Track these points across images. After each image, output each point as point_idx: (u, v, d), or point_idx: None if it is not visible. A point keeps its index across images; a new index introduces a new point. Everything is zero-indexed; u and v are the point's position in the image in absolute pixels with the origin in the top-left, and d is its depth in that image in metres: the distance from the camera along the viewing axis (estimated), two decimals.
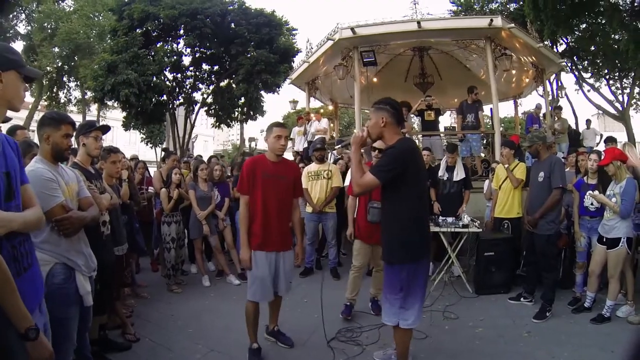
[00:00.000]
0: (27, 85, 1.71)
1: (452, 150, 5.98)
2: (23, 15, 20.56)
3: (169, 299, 4.94)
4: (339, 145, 6.19)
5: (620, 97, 17.25)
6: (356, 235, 4.33)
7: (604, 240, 4.10)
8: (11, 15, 19.95)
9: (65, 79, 22.07)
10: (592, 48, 15.59)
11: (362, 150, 2.84)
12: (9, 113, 1.71)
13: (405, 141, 2.72)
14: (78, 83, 21.67)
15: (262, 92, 18.17)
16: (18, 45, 20.28)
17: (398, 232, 2.67)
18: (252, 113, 18.98)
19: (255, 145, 26.40)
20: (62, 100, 22.18)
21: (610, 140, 6.23)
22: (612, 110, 17.23)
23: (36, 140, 2.66)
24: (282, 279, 3.38)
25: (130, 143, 28.36)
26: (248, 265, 3.26)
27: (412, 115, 9.43)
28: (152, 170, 7.61)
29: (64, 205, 2.20)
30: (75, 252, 2.32)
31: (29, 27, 20.56)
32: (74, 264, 2.29)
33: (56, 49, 20.13)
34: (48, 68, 20.40)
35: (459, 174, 5.82)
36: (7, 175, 1.55)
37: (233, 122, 20.13)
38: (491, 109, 8.62)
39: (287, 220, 3.41)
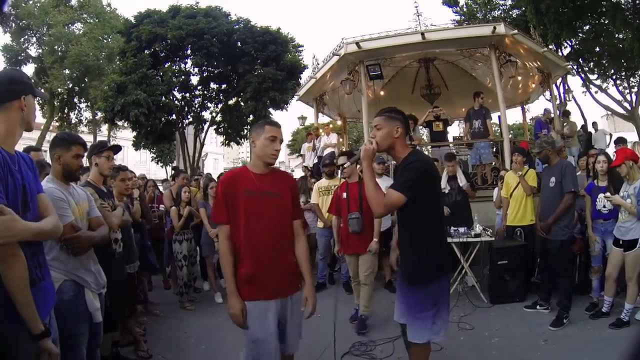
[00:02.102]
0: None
1: (450, 159, 5.97)
2: (34, 39, 21.23)
3: (182, 316, 4.94)
4: (346, 162, 6.10)
5: (628, 97, 17.05)
6: (344, 250, 4.51)
7: (620, 242, 4.02)
8: (22, 39, 20.55)
9: (76, 100, 22.62)
10: (597, 49, 15.50)
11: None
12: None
13: (420, 154, 2.62)
14: (88, 104, 22.17)
15: (270, 109, 18.38)
16: (29, 68, 20.93)
17: (422, 252, 2.45)
18: None
19: None
20: (73, 121, 22.76)
21: (621, 141, 6.16)
22: (621, 110, 17.03)
23: (49, 160, 2.72)
24: (290, 333, 2.47)
25: (140, 162, 28.73)
26: (240, 322, 2.30)
27: (420, 127, 9.43)
28: (162, 188, 7.69)
29: (73, 224, 2.24)
30: (84, 270, 2.35)
31: (40, 50, 21.17)
32: (83, 281, 2.32)
33: (67, 71, 20.64)
34: (59, 90, 20.99)
35: (461, 181, 5.82)
36: (24, 188, 1.68)
37: (242, 139, 20.36)
38: (499, 116, 8.59)
39: (287, 251, 2.48)
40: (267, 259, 2.35)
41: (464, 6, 18.37)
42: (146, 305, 4.97)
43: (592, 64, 16.78)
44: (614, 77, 16.94)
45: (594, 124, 11.43)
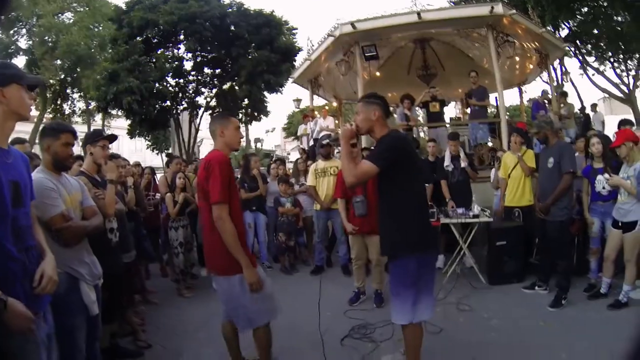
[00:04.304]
0: (32, 93, 1.81)
1: (454, 138, 5.97)
2: (24, 31, 20.83)
3: (180, 304, 4.93)
4: (327, 141, 6.12)
5: (625, 80, 16.98)
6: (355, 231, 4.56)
7: (620, 224, 4.01)
8: (12, 31, 20.17)
9: (68, 90, 22.30)
10: (595, 31, 15.35)
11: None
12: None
13: (397, 131, 2.80)
14: (81, 94, 21.89)
15: (265, 93, 18.21)
16: (20, 60, 20.58)
17: (399, 224, 2.59)
18: (256, 114, 19.06)
19: (261, 145, 26.37)
20: (66, 112, 22.43)
21: (626, 122, 6.09)
22: (618, 93, 16.98)
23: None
24: None
25: (136, 150, 28.48)
26: (260, 287, 2.64)
27: (417, 108, 9.35)
28: (159, 176, 7.63)
29: (64, 214, 2.20)
30: (78, 262, 2.31)
31: (30, 42, 20.80)
32: (77, 273, 2.28)
33: (58, 62, 20.34)
34: (51, 81, 20.63)
35: (464, 161, 5.86)
36: (16, 184, 1.66)
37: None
38: (496, 97, 8.52)
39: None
40: (244, 236, 2.76)
41: None
42: (144, 294, 4.95)
43: (589, 46, 16.64)
44: (612, 59, 16.85)
45: (593, 106, 11.38)
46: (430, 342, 3.28)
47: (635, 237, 3.90)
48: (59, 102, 22.13)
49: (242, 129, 24.91)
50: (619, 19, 14.08)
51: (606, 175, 4.17)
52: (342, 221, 5.75)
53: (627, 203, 3.95)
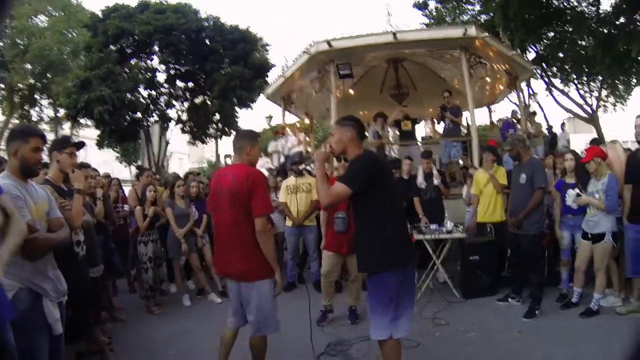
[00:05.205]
0: None
1: (427, 156, 6.07)
2: None
3: (149, 321, 4.74)
4: (299, 164, 6.06)
5: (589, 100, 17.82)
6: (325, 246, 4.53)
7: (589, 236, 4.19)
8: None
9: (37, 96, 21.48)
10: (561, 55, 16.09)
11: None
12: None
13: (370, 152, 2.89)
14: (51, 100, 21.11)
15: (237, 108, 18.13)
16: None
17: (377, 241, 2.60)
18: (227, 129, 18.90)
19: (231, 161, 26.00)
20: (34, 119, 21.54)
21: (596, 141, 6.40)
22: (582, 113, 17.78)
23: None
24: None
25: (104, 162, 27.66)
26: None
27: (388, 126, 9.49)
28: (127, 189, 7.39)
29: (30, 225, 2.04)
30: (41, 277, 2.14)
31: (1, 43, 19.99)
32: (40, 289, 2.12)
33: (28, 66, 19.65)
34: (20, 85, 19.90)
35: (437, 178, 5.95)
36: None
37: (208, 138, 19.97)
38: (466, 117, 8.75)
39: None
40: None
41: (434, 10, 18.70)
42: (111, 311, 4.73)
43: (555, 68, 17.42)
44: (576, 81, 17.65)
45: (562, 125, 11.98)
46: (408, 357, 3.25)
47: (604, 248, 4.08)
48: (26, 108, 21.32)
49: (212, 143, 24.77)
50: (584, 43, 14.80)
51: (577, 191, 4.34)
52: (314, 237, 5.75)
53: (596, 216, 4.14)
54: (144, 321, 4.74)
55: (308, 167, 6.32)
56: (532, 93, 15.33)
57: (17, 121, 20.87)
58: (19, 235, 1.68)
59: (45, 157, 3.34)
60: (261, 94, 13.05)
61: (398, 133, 10.01)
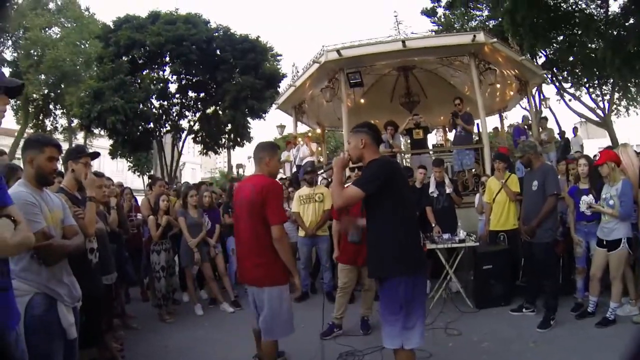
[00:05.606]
0: (6, 97, 1.75)
1: (439, 164, 6.03)
2: (10, 42, 20.60)
3: (161, 330, 4.75)
4: (311, 173, 6.10)
5: (601, 104, 17.60)
6: (340, 259, 4.47)
7: (604, 243, 4.08)
8: None
9: (51, 106, 21.94)
10: (571, 58, 15.96)
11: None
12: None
13: (384, 157, 2.88)
14: (64, 111, 21.51)
15: (249, 119, 18.24)
16: (4, 72, 20.16)
17: (388, 246, 2.59)
18: (239, 139, 19.04)
19: (243, 171, 26.18)
20: (48, 128, 21.97)
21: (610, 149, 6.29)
22: (595, 118, 17.56)
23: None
24: None
25: (117, 171, 28.06)
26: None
27: (400, 135, 9.46)
28: (140, 198, 7.47)
29: (45, 232, 2.07)
30: (57, 282, 2.18)
31: (15, 54, 20.52)
32: (55, 294, 2.15)
33: (42, 77, 20.00)
34: (34, 95, 20.31)
35: (449, 187, 5.92)
36: None
37: (220, 149, 20.11)
38: (478, 124, 8.70)
39: None
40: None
41: (442, 17, 18.74)
42: (124, 319, 4.75)
43: (565, 72, 17.28)
44: (587, 85, 17.47)
45: (575, 129, 11.78)
46: None
47: (620, 255, 3.97)
48: (41, 118, 21.76)
49: (224, 154, 24.94)
50: (593, 46, 14.66)
51: (590, 198, 4.25)
52: (327, 247, 5.73)
53: (611, 222, 4.03)
54: (156, 330, 4.75)
55: (319, 177, 6.34)
56: (543, 98, 15.21)
57: (31, 130, 21.31)
58: (23, 238, 1.68)
59: (59, 166, 3.41)
60: (273, 105, 13.12)
61: (409, 142, 9.97)
